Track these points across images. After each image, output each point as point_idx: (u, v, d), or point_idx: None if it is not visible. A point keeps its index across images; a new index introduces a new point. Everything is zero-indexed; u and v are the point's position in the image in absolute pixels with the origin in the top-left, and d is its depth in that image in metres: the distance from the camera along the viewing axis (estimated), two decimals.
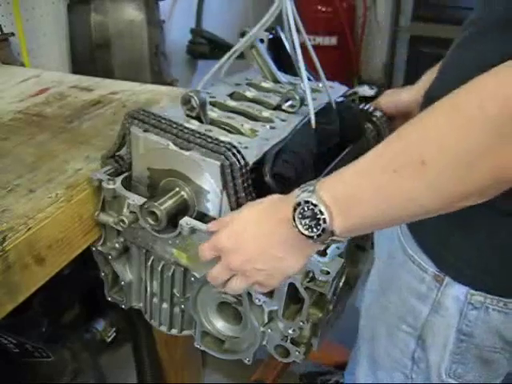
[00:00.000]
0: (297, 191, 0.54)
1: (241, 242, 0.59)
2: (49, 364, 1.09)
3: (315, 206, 0.51)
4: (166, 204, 0.65)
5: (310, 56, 0.79)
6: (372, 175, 0.50)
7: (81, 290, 1.24)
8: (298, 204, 0.52)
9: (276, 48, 0.91)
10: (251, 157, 0.65)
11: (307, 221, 0.51)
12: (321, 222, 0.50)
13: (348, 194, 0.51)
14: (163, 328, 0.79)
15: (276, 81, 0.90)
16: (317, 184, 0.52)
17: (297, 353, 0.67)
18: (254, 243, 0.58)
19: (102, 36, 1.73)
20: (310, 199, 0.51)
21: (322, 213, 0.50)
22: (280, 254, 0.57)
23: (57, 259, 0.68)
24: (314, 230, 0.51)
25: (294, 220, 0.53)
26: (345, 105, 0.85)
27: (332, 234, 0.51)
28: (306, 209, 0.51)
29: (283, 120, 0.76)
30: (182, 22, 2.48)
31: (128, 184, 0.72)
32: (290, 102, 0.78)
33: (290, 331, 0.65)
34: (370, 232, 0.88)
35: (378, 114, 0.90)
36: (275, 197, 0.60)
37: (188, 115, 0.73)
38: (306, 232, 0.52)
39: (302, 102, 0.77)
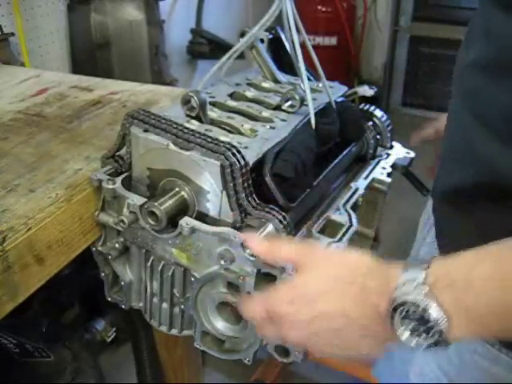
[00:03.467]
0: (398, 275, 0.43)
1: (307, 315, 0.47)
2: (49, 364, 1.09)
3: (427, 312, 0.40)
4: (166, 204, 0.65)
5: (310, 56, 0.79)
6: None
7: (81, 289, 1.24)
8: (402, 304, 0.41)
9: (276, 48, 0.91)
10: (251, 157, 0.65)
11: (412, 324, 0.41)
12: (434, 332, 0.40)
13: (480, 305, 0.41)
14: (163, 328, 0.79)
15: (276, 81, 0.90)
16: (429, 277, 0.41)
17: (297, 353, 0.67)
18: (327, 322, 0.47)
19: (102, 36, 1.73)
20: (421, 303, 0.40)
21: (437, 323, 0.40)
22: (356, 342, 0.47)
23: (57, 259, 0.68)
24: (422, 338, 0.41)
25: (393, 319, 0.42)
26: (345, 105, 0.85)
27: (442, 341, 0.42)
28: (411, 311, 0.41)
29: (283, 120, 0.76)
30: (182, 22, 2.48)
31: (128, 184, 0.72)
32: (289, 102, 0.78)
33: None
34: (372, 231, 0.88)
35: (378, 113, 0.90)
36: (363, 270, 0.47)
37: (188, 115, 0.73)
38: (410, 338, 0.42)
39: (302, 101, 0.77)
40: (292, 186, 0.69)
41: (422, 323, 0.41)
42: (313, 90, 0.82)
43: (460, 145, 0.64)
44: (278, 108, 0.79)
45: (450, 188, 0.66)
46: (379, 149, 0.91)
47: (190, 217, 0.66)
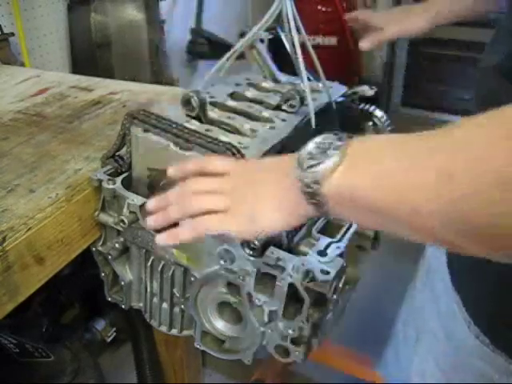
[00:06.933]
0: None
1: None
2: (49, 364, 1.09)
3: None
4: None
5: (310, 56, 0.79)
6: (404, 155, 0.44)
7: (81, 289, 1.24)
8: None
9: (276, 48, 0.91)
10: (251, 157, 0.65)
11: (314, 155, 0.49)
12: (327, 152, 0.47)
13: (370, 153, 0.46)
14: (163, 328, 0.79)
15: (276, 81, 0.90)
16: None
17: (297, 353, 0.67)
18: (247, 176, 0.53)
19: (102, 36, 1.73)
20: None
21: (335, 147, 0.47)
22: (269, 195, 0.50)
23: (57, 259, 0.68)
24: (314, 161, 0.47)
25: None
26: (345, 105, 0.85)
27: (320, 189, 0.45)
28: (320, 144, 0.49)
29: (283, 120, 0.76)
30: (182, 22, 2.48)
31: (128, 184, 0.72)
32: (289, 102, 0.78)
33: (290, 331, 0.65)
34: (374, 230, 0.88)
35: (378, 113, 0.90)
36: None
37: (188, 115, 0.73)
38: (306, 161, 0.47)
39: (302, 101, 0.77)
40: None
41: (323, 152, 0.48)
42: (313, 90, 0.82)
43: None
44: (278, 108, 0.79)
45: None
46: None
47: None
